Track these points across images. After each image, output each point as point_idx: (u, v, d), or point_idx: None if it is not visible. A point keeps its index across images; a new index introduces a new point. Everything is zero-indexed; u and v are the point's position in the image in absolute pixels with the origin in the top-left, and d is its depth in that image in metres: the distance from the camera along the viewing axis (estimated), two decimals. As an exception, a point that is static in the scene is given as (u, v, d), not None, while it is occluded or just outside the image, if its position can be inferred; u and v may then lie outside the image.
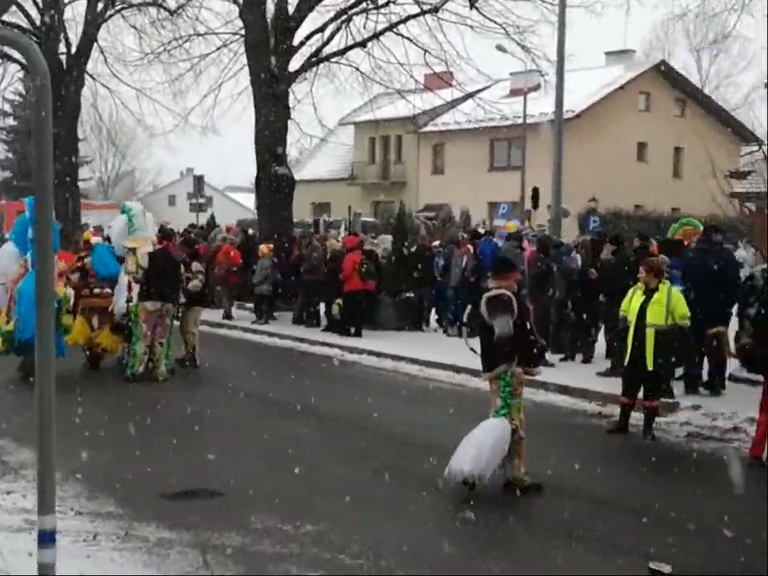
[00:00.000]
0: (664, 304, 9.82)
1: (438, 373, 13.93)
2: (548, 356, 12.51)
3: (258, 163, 23.07)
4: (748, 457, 8.99)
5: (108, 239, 14.22)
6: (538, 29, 22.06)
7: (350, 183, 47.87)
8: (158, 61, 26.64)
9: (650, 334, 9.75)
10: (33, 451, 6.89)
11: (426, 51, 23.03)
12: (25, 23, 28.12)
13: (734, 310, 12.28)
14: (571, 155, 26.55)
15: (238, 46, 24.38)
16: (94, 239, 14.83)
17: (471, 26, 22.43)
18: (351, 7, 23.11)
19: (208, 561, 5.96)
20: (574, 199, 25.61)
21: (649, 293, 9.90)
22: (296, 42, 23.18)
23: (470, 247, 17.27)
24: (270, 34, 22.41)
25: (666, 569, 5.93)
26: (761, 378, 9.17)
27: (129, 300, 13.11)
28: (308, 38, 23.51)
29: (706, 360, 12.17)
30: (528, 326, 7.87)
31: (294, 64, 23.33)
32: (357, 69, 23.98)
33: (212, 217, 29.11)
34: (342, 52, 23.68)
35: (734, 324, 12.21)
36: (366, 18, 23.14)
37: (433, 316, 18.96)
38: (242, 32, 23.57)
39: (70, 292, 13.19)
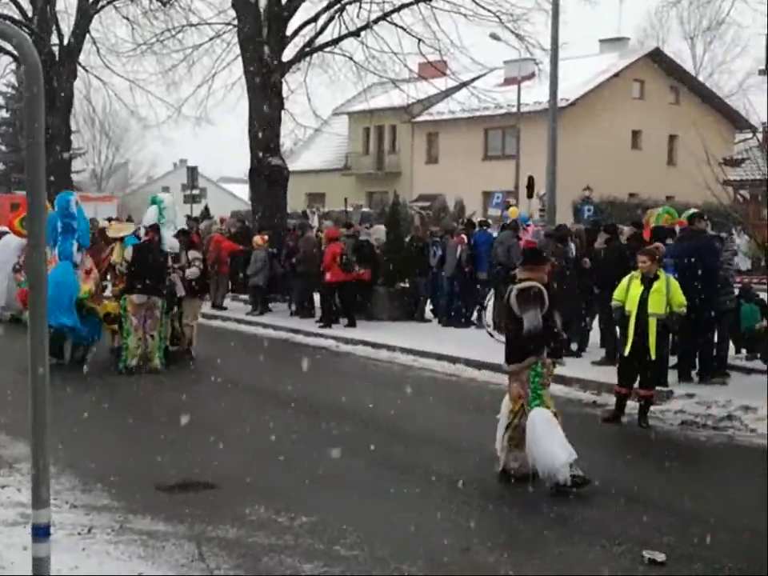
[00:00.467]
0: (664, 293, 9.82)
1: (433, 363, 13.93)
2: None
3: (251, 154, 23.00)
4: None
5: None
6: (532, 17, 22.07)
7: (344, 174, 47.80)
8: (150, 52, 26.60)
9: (652, 323, 9.75)
10: (27, 445, 6.89)
11: (419, 40, 22.97)
12: (17, 15, 28.04)
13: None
14: (565, 143, 26.51)
15: (231, 36, 24.31)
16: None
17: (465, 15, 22.37)
18: (344, -4, 23.04)
19: (203, 553, 5.96)
20: (569, 188, 25.64)
21: (647, 282, 9.86)
22: (289, 31, 23.08)
23: (464, 237, 17.26)
24: (263, 23, 22.31)
25: (661, 557, 5.96)
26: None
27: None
28: (301, 27, 23.43)
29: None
30: (555, 319, 7.83)
31: (288, 54, 23.25)
32: (350, 58, 23.91)
33: (206, 208, 29.06)
34: (335, 41, 23.60)
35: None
36: (360, 7, 23.06)
37: (428, 306, 18.96)
38: (235, 22, 23.47)
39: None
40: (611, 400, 10.73)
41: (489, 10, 21.92)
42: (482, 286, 17.17)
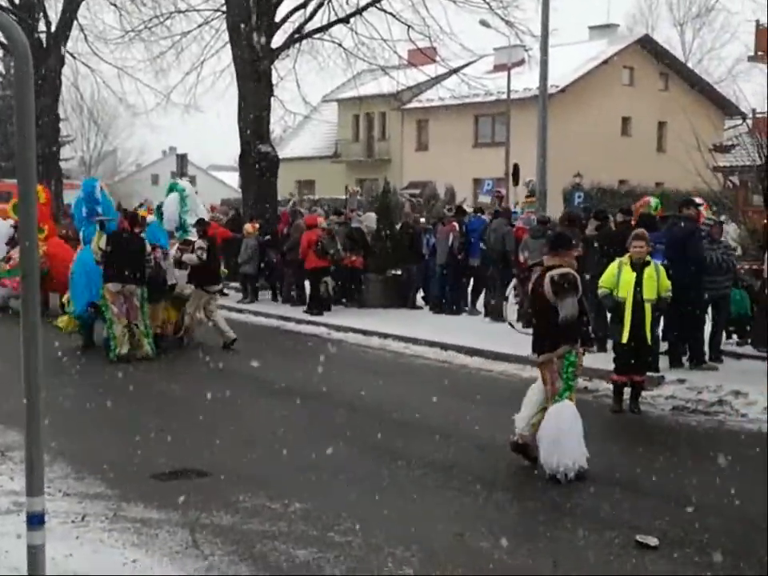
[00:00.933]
0: (655, 278, 9.85)
1: (424, 350, 13.95)
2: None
3: (241, 141, 22.94)
4: None
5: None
6: (522, 3, 22.15)
7: (334, 161, 47.69)
8: (138, 39, 26.47)
9: (647, 309, 9.78)
10: (19, 433, 6.88)
11: (409, 27, 22.94)
12: (3, 1, 27.80)
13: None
14: (555, 130, 26.51)
15: (220, 22, 24.21)
16: (150, 218, 15.22)
17: (454, 1, 22.37)
18: (333, -18, 22.96)
19: (197, 540, 5.97)
20: (559, 175, 25.62)
21: (638, 268, 9.86)
22: (278, 18, 23.01)
23: (456, 224, 17.24)
24: (251, 10, 22.21)
25: (653, 541, 5.99)
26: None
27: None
28: (290, 14, 23.36)
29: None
30: (585, 305, 7.76)
31: (277, 40, 23.19)
32: (340, 45, 23.86)
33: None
34: (324, 28, 23.53)
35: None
36: (349, -7, 23.01)
37: (419, 294, 18.95)
38: (224, 8, 23.38)
39: None
40: (602, 386, 10.76)
41: (479, -4, 21.91)
42: (473, 272, 17.16)
